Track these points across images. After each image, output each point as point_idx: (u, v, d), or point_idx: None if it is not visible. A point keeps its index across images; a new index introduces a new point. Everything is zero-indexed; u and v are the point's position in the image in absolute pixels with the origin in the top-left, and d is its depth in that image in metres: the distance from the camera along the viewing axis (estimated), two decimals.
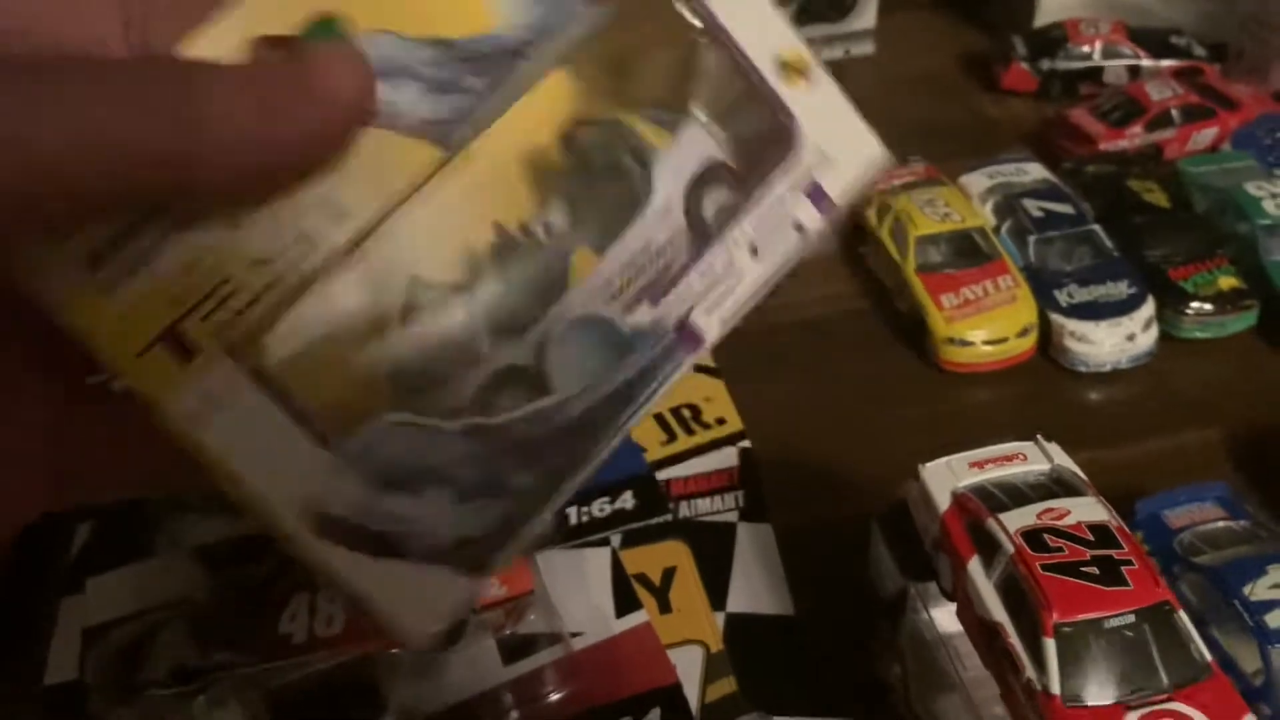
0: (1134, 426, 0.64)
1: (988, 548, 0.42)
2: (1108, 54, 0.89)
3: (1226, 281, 0.68)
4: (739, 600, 0.56)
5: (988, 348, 0.66)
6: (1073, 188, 0.74)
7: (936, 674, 0.46)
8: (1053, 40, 0.90)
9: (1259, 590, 0.50)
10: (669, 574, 0.56)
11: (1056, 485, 0.44)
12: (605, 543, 0.57)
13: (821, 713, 0.51)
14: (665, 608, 0.55)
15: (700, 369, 0.68)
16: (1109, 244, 0.70)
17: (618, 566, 0.56)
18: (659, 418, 0.65)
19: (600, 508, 0.58)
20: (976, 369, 0.67)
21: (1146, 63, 0.88)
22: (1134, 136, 0.80)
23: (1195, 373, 0.67)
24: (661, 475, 0.61)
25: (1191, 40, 0.91)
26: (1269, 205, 0.71)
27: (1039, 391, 0.67)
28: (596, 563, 0.56)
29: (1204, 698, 0.37)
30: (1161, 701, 0.37)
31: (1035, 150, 0.83)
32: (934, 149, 0.83)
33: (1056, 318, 0.67)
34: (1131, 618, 0.39)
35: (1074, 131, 0.82)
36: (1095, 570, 0.39)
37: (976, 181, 0.75)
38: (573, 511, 0.58)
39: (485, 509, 0.24)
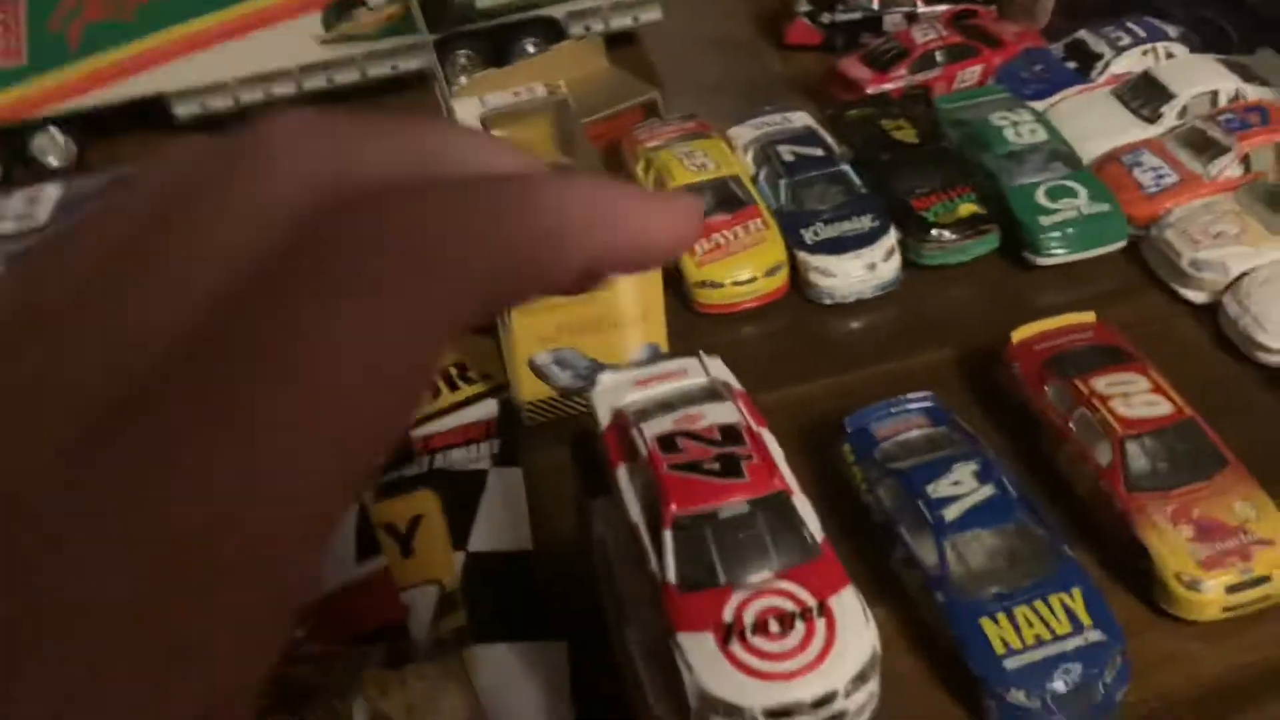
0: (874, 352, 0.67)
1: (631, 456, 0.44)
2: (885, 3, 0.92)
3: (966, 209, 0.71)
4: (480, 540, 0.58)
5: (738, 288, 0.69)
6: (833, 132, 0.77)
7: (621, 583, 0.49)
8: None
9: (940, 488, 0.53)
10: (415, 521, 0.59)
11: (704, 395, 0.47)
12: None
13: (545, 637, 0.53)
14: (407, 552, 0.57)
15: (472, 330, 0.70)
16: (857, 182, 0.73)
17: (363, 517, 0.59)
18: None
19: None
20: (731, 309, 0.69)
21: (923, 9, 0.91)
22: (898, 79, 0.83)
23: (939, 297, 0.71)
24: (422, 431, 0.64)
25: None
26: (1010, 134, 0.74)
27: (791, 326, 0.70)
28: (343, 519, 0.58)
29: (809, 576, 0.40)
30: (768, 581, 0.40)
31: (816, 102, 0.86)
32: (723, 107, 0.86)
33: (802, 255, 0.69)
34: (745, 508, 0.41)
35: (844, 80, 0.85)
36: (716, 466, 0.42)
37: (742, 133, 0.78)
38: None
39: None
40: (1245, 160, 0.71)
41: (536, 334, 0.61)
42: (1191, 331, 0.67)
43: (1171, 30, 0.83)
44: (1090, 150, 0.75)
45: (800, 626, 0.36)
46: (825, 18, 0.92)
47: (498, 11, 0.89)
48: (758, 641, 0.36)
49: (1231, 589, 0.50)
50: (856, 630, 0.36)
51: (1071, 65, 0.82)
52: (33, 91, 0.82)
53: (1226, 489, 0.53)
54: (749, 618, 0.37)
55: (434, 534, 0.58)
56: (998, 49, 0.85)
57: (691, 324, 0.68)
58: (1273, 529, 0.51)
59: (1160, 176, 0.71)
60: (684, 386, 0.48)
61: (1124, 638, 0.48)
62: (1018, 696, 0.47)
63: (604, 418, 0.47)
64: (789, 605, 0.37)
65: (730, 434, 0.43)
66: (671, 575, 0.40)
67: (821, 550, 0.41)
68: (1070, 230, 0.69)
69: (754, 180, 0.74)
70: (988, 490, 0.52)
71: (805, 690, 0.35)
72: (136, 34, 0.83)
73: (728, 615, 0.37)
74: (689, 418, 0.45)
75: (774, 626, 0.36)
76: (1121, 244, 0.70)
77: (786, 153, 0.74)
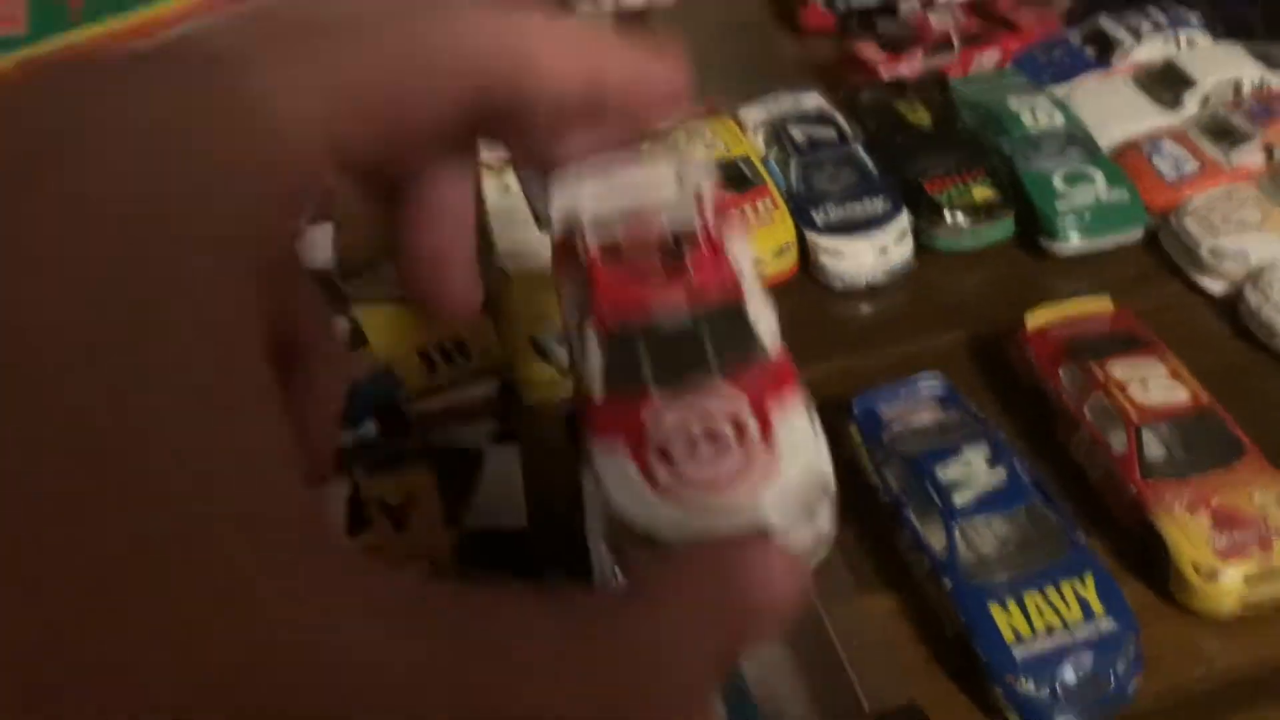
0: (884, 335, 0.66)
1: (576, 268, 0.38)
2: None
3: (980, 193, 0.69)
4: (477, 518, 0.57)
5: None
6: (847, 114, 0.76)
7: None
8: None
9: (950, 471, 0.51)
10: (409, 497, 0.57)
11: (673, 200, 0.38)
12: (346, 474, 0.58)
13: None
14: (400, 528, 0.56)
15: None
16: (869, 164, 0.71)
17: (355, 491, 0.57)
18: (422, 353, 0.66)
19: (344, 439, 0.59)
20: None
21: None
22: (914, 63, 0.82)
23: (952, 282, 0.69)
24: (421, 406, 0.62)
25: None
26: (1027, 118, 0.73)
27: (799, 308, 0.68)
28: (334, 490, 0.57)
29: (751, 384, 0.30)
30: (704, 391, 0.30)
31: (828, 85, 0.85)
32: (735, 89, 0.84)
33: (812, 236, 0.68)
34: (687, 318, 0.31)
35: (858, 64, 0.83)
36: (659, 271, 0.31)
37: (753, 113, 0.77)
38: None
39: None
40: (1268, 149, 0.69)
41: (538, 311, 0.59)
42: (1210, 321, 0.65)
43: (1193, 17, 0.81)
44: (1109, 137, 0.73)
45: (735, 445, 0.29)
46: (840, 2, 0.90)
47: None
48: (681, 459, 0.29)
49: (1250, 579, 0.49)
50: (800, 450, 0.28)
51: (1090, 52, 0.80)
52: (29, 61, 0.81)
53: (1245, 478, 0.51)
54: (675, 431, 0.30)
55: (428, 510, 0.57)
56: (1015, 35, 0.83)
57: None
58: None
59: (1180, 164, 0.70)
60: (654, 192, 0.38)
61: (1137, 626, 0.46)
62: (1027, 686, 0.45)
63: (558, 228, 0.37)
64: (722, 420, 0.29)
65: (686, 240, 0.34)
66: (598, 389, 0.32)
67: (772, 357, 0.32)
68: (1087, 216, 0.67)
69: (764, 161, 0.73)
70: (999, 474, 0.51)
71: (726, 520, 0.27)
72: (140, 2, 0.81)
73: (651, 426, 0.30)
74: (642, 221, 0.34)
75: (703, 445, 0.29)
76: (1139, 232, 0.68)
77: (798, 133, 0.73)
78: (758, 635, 0.22)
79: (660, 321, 0.31)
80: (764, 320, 0.31)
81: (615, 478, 0.29)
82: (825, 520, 0.27)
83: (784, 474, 0.27)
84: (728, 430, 0.28)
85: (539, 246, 0.59)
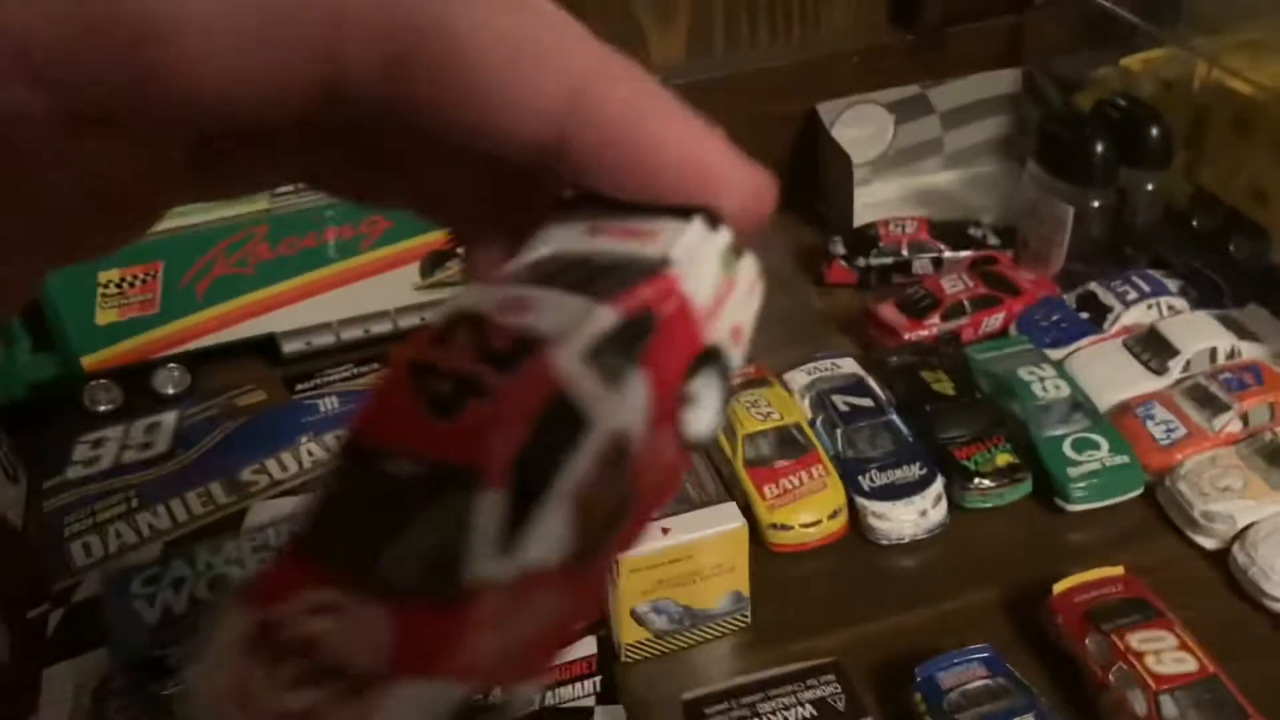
0: (928, 591, 0.76)
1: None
2: (914, 249, 1.03)
3: (1003, 458, 0.81)
4: None
5: (805, 530, 0.78)
6: (878, 378, 0.88)
7: None
8: (867, 239, 1.04)
9: None
10: None
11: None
12: None
13: None
14: None
15: None
16: (905, 430, 0.83)
17: None
18: None
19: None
20: (798, 548, 0.78)
21: (947, 254, 1.03)
22: (932, 326, 0.94)
23: (981, 537, 0.80)
24: None
25: (987, 230, 1.05)
26: (1037, 389, 0.84)
27: (850, 563, 0.79)
28: None
29: (425, 628, 0.20)
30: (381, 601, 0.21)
31: (854, 338, 0.97)
32: (768, 337, 0.96)
33: (861, 500, 0.79)
34: (416, 468, 0.21)
35: (882, 325, 0.95)
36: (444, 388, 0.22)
37: (796, 378, 0.88)
38: None
39: None
40: (1244, 417, 0.81)
41: (639, 588, 0.69)
42: (1205, 573, 0.76)
43: (1171, 285, 0.94)
44: (1106, 399, 0.85)
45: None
46: (860, 261, 1.03)
47: None
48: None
49: None
50: None
51: (1085, 315, 0.93)
52: (161, 336, 0.92)
53: None
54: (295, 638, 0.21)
55: None
56: (1017, 297, 0.96)
57: (764, 561, 0.77)
58: None
59: (1170, 430, 0.81)
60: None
61: None
62: None
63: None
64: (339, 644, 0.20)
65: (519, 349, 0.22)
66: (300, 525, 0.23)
67: (467, 601, 0.20)
68: (1095, 481, 0.79)
69: (810, 424, 0.84)
70: None
71: None
72: (256, 286, 0.93)
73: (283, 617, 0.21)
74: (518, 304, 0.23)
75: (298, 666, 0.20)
76: (1139, 491, 0.80)
77: (840, 403, 0.84)
78: None
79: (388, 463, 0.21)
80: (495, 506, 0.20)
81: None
82: None
83: None
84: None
85: (643, 537, 0.69)
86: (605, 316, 0.22)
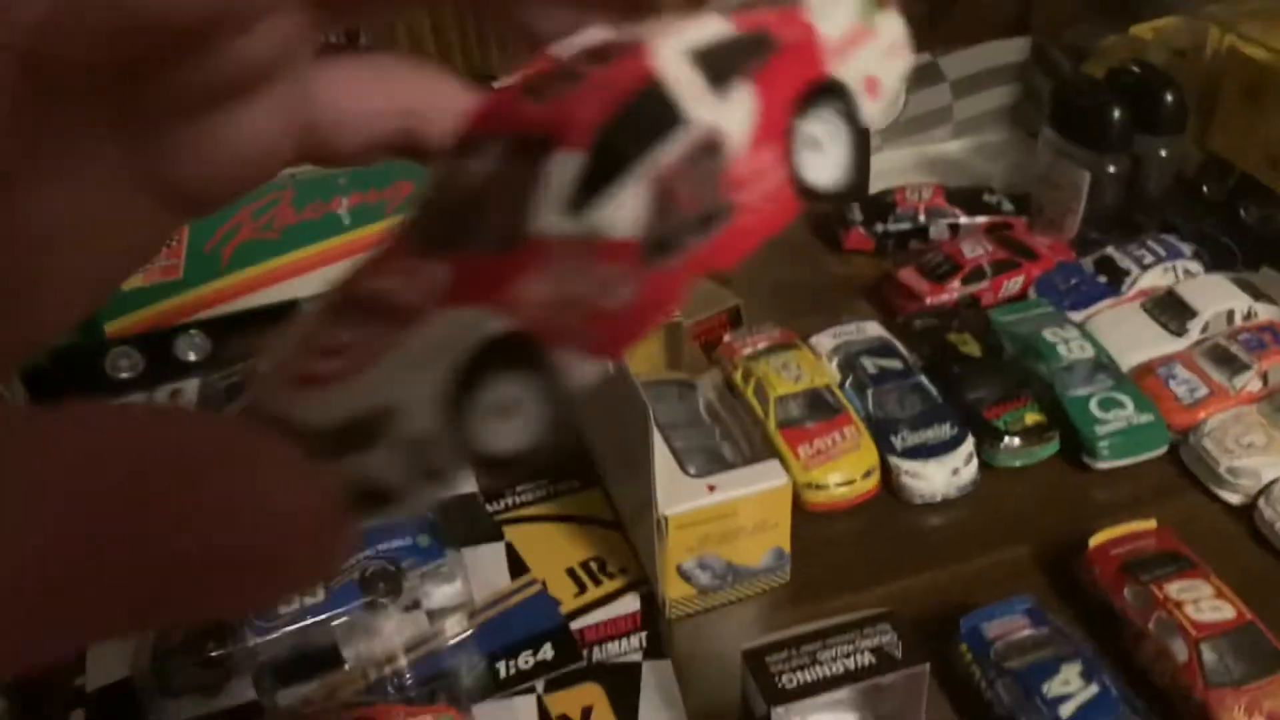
0: (962, 548, 0.77)
1: None
2: (930, 215, 1.04)
3: (1031, 417, 0.82)
4: None
5: (840, 490, 0.79)
6: (903, 341, 0.89)
7: None
8: (884, 206, 1.05)
9: (1054, 687, 0.63)
10: (587, 713, 0.67)
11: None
12: (531, 690, 0.68)
13: None
14: None
15: (601, 522, 0.79)
16: (933, 391, 0.84)
17: (543, 711, 0.67)
18: (570, 571, 0.76)
19: (525, 660, 0.69)
20: (833, 507, 0.79)
21: (964, 220, 1.04)
22: (953, 291, 0.95)
23: (1011, 496, 0.81)
24: (576, 625, 0.73)
25: (1002, 196, 1.06)
26: (1062, 349, 0.86)
27: (884, 522, 0.80)
28: (525, 710, 0.67)
29: (481, 272, 0.21)
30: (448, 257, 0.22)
31: (874, 303, 0.98)
32: (790, 306, 0.98)
33: (893, 459, 0.80)
34: (502, 145, 0.22)
35: (904, 289, 0.96)
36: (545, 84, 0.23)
37: (823, 342, 0.89)
38: (501, 666, 0.69)
39: None
40: (1264, 376, 0.83)
41: (685, 544, 0.70)
42: (1230, 528, 0.78)
43: (1186, 249, 0.96)
44: (1128, 360, 0.87)
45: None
46: (878, 227, 1.04)
47: None
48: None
49: None
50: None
51: (1102, 279, 0.94)
52: (184, 302, 0.91)
53: None
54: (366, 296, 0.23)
55: None
56: (1035, 261, 0.97)
57: (800, 520, 0.78)
58: None
59: (1192, 389, 0.83)
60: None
61: None
62: None
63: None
64: (400, 292, 0.21)
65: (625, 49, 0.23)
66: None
67: (523, 247, 0.21)
68: (1121, 439, 0.80)
69: (840, 386, 0.85)
70: (1093, 689, 0.62)
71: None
72: (280, 251, 0.92)
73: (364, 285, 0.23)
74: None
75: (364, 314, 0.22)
76: (1164, 449, 0.82)
77: (869, 365, 0.85)
78: None
79: (483, 148, 0.23)
80: (568, 163, 0.20)
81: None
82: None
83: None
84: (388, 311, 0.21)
85: (690, 494, 0.70)
86: (717, 25, 0.22)
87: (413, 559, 0.71)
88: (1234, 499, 0.78)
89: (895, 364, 0.86)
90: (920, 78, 1.15)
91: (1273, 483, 0.77)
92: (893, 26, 0.25)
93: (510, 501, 0.81)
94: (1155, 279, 0.94)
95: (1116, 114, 0.96)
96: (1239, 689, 0.63)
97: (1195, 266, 0.95)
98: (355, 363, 0.20)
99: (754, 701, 0.60)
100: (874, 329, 0.90)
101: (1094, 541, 0.72)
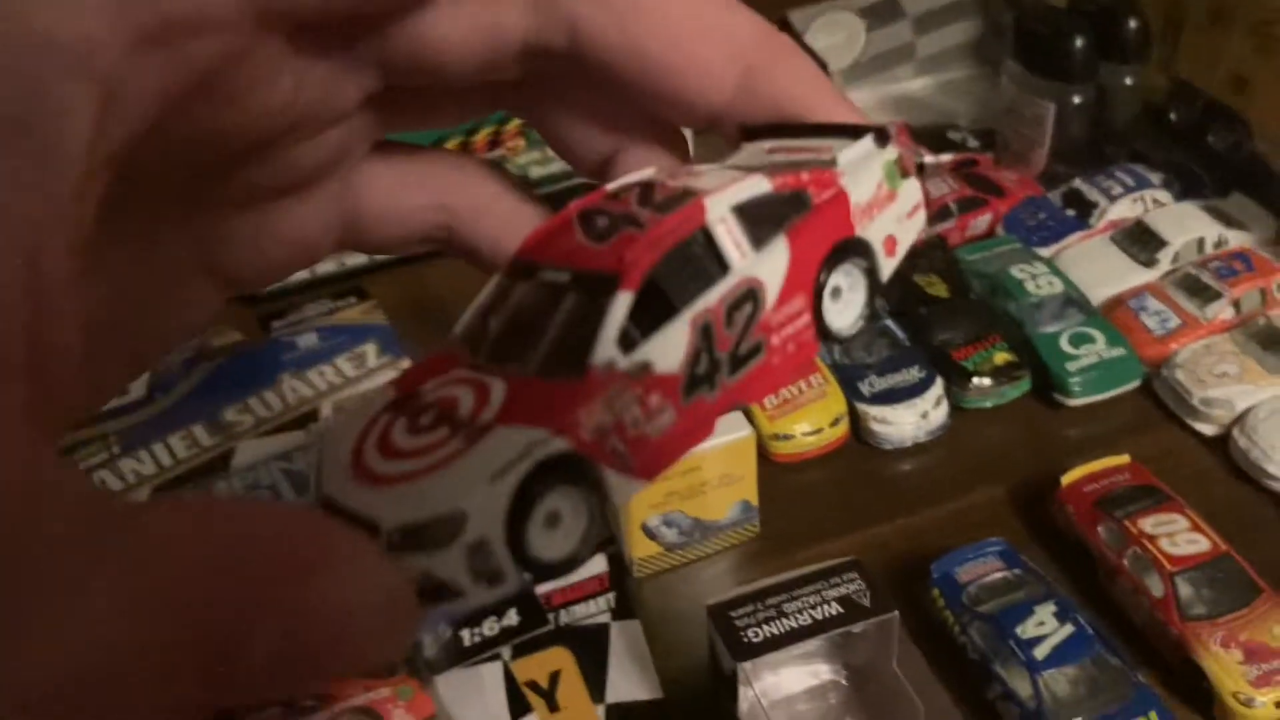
0: (934, 492, 0.76)
1: None
2: None
3: (1000, 357, 0.80)
4: (616, 691, 0.65)
5: (808, 439, 0.77)
6: None
7: None
8: None
9: (1029, 629, 0.61)
10: (555, 677, 0.66)
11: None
12: (497, 657, 0.66)
13: None
14: (554, 707, 0.64)
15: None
16: (901, 335, 0.82)
17: (509, 677, 0.65)
18: None
19: (490, 627, 0.68)
20: (801, 457, 0.78)
21: (928, 159, 1.01)
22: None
23: (983, 437, 0.80)
24: (543, 588, 0.71)
25: (966, 134, 1.04)
26: (1030, 286, 0.84)
27: (854, 469, 0.78)
28: (491, 677, 0.65)
29: (542, 394, 0.23)
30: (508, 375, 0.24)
31: None
32: None
33: (861, 406, 0.78)
34: (566, 276, 0.24)
35: None
36: (601, 224, 0.25)
37: None
38: (466, 634, 0.67)
39: None
40: (1236, 304, 0.81)
41: (649, 501, 0.69)
42: (1206, 460, 0.76)
43: (1154, 178, 0.94)
44: (1099, 294, 0.85)
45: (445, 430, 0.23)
46: None
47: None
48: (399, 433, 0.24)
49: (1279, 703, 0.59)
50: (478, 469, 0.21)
51: (1071, 213, 0.93)
52: None
53: (1264, 614, 0.62)
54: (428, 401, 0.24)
55: (574, 688, 0.65)
56: (1002, 198, 0.95)
57: (768, 472, 0.76)
58: None
59: (1164, 320, 0.81)
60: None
61: None
62: None
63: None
64: (462, 403, 0.23)
65: (679, 199, 0.25)
66: (459, 328, 0.26)
67: (587, 375, 0.23)
68: (1093, 374, 0.79)
69: None
70: (1068, 629, 0.61)
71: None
72: None
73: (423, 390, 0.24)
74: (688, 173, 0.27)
75: (427, 419, 0.23)
76: (1137, 383, 0.80)
77: None
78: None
79: (544, 274, 0.25)
80: (623, 305, 0.22)
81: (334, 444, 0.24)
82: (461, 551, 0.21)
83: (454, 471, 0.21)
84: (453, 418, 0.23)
85: None
86: (761, 184, 0.24)
87: None
88: (1208, 430, 0.77)
89: None
90: (881, 15, 1.12)
91: (1247, 412, 0.75)
92: (912, 191, 0.28)
93: None
94: (1124, 210, 0.92)
95: (1079, 43, 0.93)
96: (1215, 621, 0.62)
97: (1164, 196, 0.93)
98: (427, 467, 0.21)
99: (721, 658, 0.59)
100: None
101: (1066, 480, 0.71)
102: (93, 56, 0.17)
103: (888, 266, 0.28)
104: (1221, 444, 0.76)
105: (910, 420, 0.78)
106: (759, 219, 0.24)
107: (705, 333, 0.23)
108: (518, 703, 0.64)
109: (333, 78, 0.23)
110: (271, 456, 0.84)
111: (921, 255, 0.90)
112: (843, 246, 0.26)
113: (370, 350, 0.89)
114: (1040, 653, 0.60)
